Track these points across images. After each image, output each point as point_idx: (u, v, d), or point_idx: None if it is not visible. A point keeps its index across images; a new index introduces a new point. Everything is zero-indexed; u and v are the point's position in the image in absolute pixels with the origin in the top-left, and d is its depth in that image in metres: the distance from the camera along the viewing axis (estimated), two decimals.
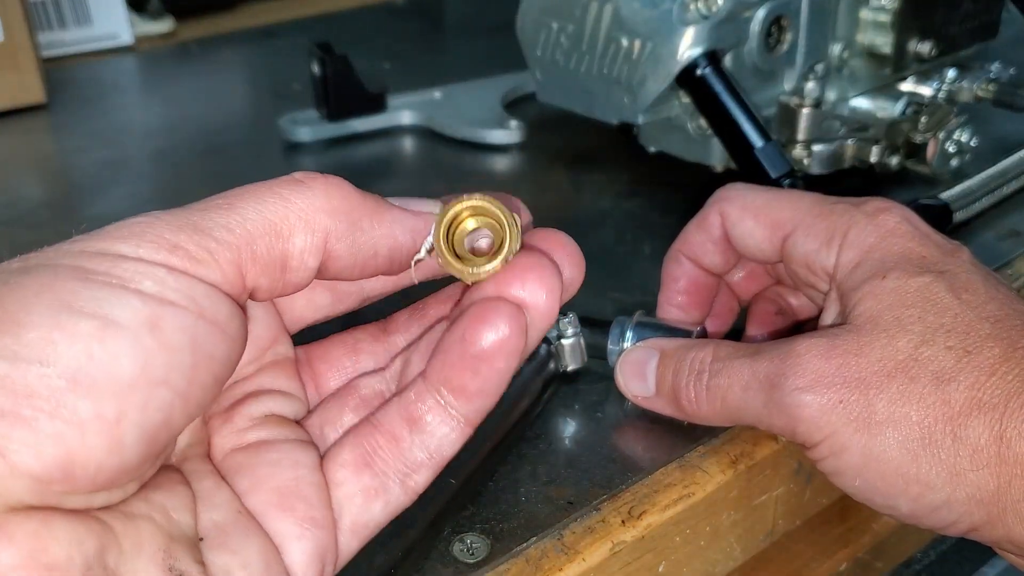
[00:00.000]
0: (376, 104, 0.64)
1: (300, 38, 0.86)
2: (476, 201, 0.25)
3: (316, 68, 0.63)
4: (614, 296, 0.45)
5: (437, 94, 0.68)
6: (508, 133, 0.62)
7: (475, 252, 0.26)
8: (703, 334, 0.37)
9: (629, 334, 0.37)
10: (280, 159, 0.63)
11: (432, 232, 0.26)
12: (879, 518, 0.43)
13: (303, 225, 0.23)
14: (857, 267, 0.32)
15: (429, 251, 0.26)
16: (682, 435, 0.36)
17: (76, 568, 0.18)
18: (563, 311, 0.37)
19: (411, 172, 0.61)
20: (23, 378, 0.18)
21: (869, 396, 0.29)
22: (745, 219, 0.36)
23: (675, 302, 0.39)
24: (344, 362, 0.28)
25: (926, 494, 0.29)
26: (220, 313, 0.21)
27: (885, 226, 0.33)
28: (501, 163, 0.61)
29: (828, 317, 0.33)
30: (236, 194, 0.23)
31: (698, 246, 0.38)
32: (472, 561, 0.30)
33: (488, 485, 0.34)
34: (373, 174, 0.60)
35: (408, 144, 0.64)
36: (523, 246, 0.26)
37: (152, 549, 0.20)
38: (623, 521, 0.32)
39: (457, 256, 0.26)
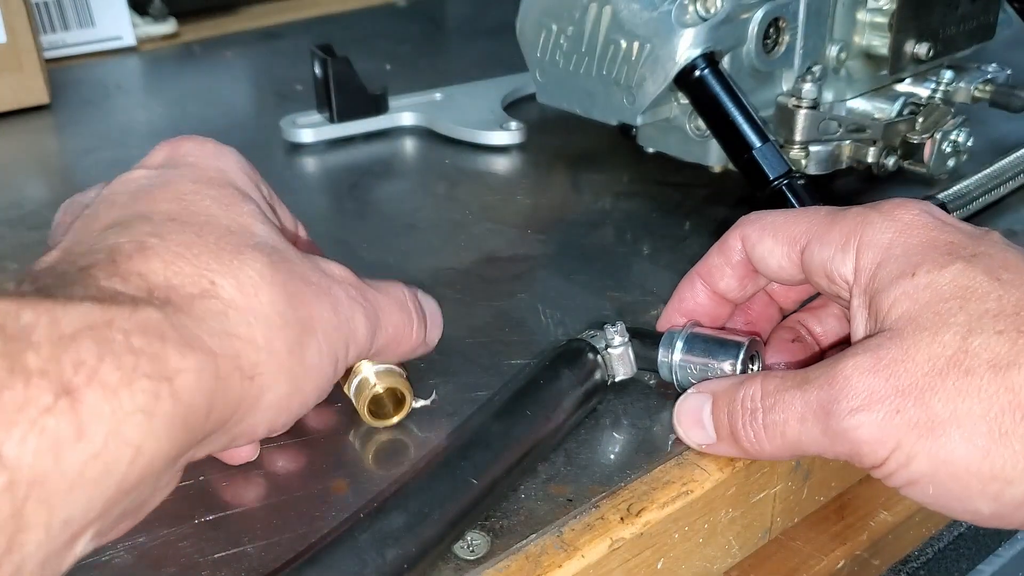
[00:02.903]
0: (377, 105, 0.65)
1: (302, 39, 0.86)
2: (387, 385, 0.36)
3: (318, 69, 0.63)
4: (613, 296, 0.46)
5: (438, 95, 0.68)
6: (508, 134, 0.62)
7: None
8: (753, 345, 0.36)
9: (680, 344, 0.36)
10: (282, 160, 0.63)
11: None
12: (877, 515, 0.43)
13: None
14: (880, 267, 0.31)
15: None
16: None
17: None
18: (612, 321, 0.37)
19: (412, 173, 0.62)
20: None
21: (925, 399, 0.28)
22: (764, 239, 0.35)
23: (673, 320, 0.39)
24: None
25: (1006, 490, 0.27)
26: None
27: (902, 220, 0.32)
28: (501, 164, 0.62)
29: (859, 327, 0.32)
30: None
31: (716, 269, 0.37)
32: (472, 558, 0.31)
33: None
34: (374, 175, 0.61)
35: (409, 145, 0.65)
36: None
37: None
38: (622, 518, 0.33)
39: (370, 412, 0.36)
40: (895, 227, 0.32)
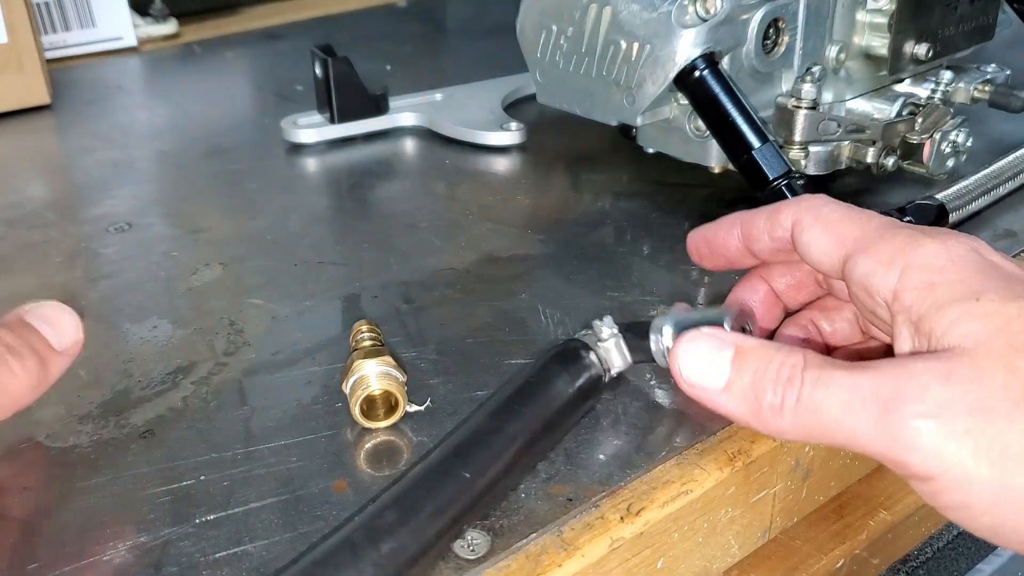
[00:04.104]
0: (378, 106, 0.65)
1: (302, 40, 0.86)
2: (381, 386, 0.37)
3: (318, 70, 0.64)
4: (613, 296, 0.46)
5: (438, 96, 0.68)
6: (508, 134, 0.63)
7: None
8: (742, 315, 0.36)
9: (668, 328, 0.36)
10: (282, 160, 0.63)
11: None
12: (876, 515, 0.43)
13: None
14: (932, 289, 0.30)
15: None
16: (680, 432, 0.37)
17: None
18: (598, 316, 0.37)
19: (412, 173, 0.62)
20: None
21: (999, 427, 0.27)
22: (815, 228, 0.35)
23: (699, 240, 0.39)
24: None
25: None
26: None
27: (955, 250, 0.31)
28: (501, 164, 0.62)
29: (904, 344, 0.31)
30: None
31: (757, 228, 0.37)
32: (472, 557, 0.31)
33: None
34: (374, 175, 0.61)
35: (409, 145, 0.65)
36: None
37: None
38: (622, 518, 0.33)
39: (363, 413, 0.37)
40: (948, 255, 0.31)
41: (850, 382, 0.29)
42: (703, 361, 0.32)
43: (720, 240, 0.39)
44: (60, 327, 0.35)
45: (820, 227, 0.35)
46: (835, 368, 0.29)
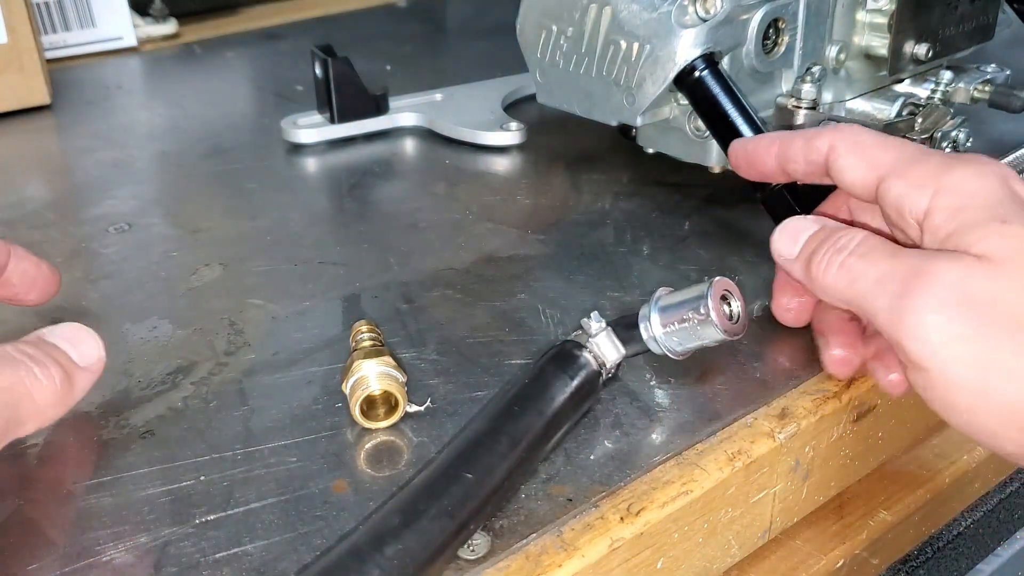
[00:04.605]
0: (378, 106, 0.65)
1: (302, 40, 0.86)
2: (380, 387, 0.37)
3: (318, 70, 0.64)
4: (613, 296, 0.46)
5: (438, 96, 0.68)
6: (508, 134, 0.63)
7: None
8: (720, 283, 0.37)
9: (654, 315, 0.37)
10: (283, 160, 0.63)
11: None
12: (876, 515, 0.43)
13: None
14: (962, 211, 0.32)
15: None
16: (680, 433, 0.37)
17: None
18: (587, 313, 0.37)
19: (412, 173, 0.62)
20: None
21: (996, 341, 0.29)
22: (852, 154, 0.36)
23: (739, 151, 0.41)
24: None
25: None
26: None
27: (985, 178, 0.33)
28: (501, 164, 0.62)
29: None
30: None
31: (794, 149, 0.39)
32: (473, 557, 0.31)
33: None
34: (374, 175, 0.61)
35: (409, 145, 0.65)
36: None
37: None
38: (622, 518, 0.33)
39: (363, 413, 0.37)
40: (979, 182, 0.33)
41: (889, 262, 0.32)
42: (792, 236, 0.37)
43: (760, 155, 0.40)
44: (81, 345, 0.35)
45: (857, 152, 0.36)
46: (883, 250, 0.33)
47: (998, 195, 0.32)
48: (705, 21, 0.47)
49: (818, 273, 0.35)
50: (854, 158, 0.36)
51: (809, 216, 0.38)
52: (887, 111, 0.53)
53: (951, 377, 0.30)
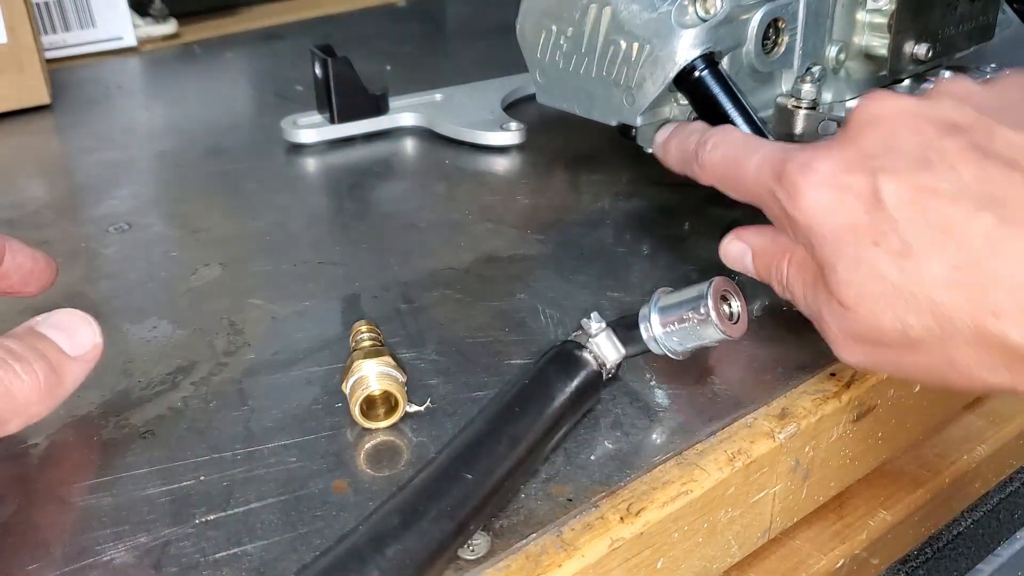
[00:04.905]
0: (377, 106, 0.65)
1: (302, 40, 0.86)
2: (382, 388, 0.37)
3: (318, 70, 0.64)
4: (613, 296, 0.46)
5: (438, 96, 0.68)
6: (508, 135, 0.63)
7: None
8: (720, 283, 0.37)
9: (654, 315, 0.37)
10: (282, 161, 0.63)
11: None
12: (876, 515, 0.43)
13: None
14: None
15: None
16: (680, 433, 0.37)
17: None
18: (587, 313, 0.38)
19: (412, 173, 0.62)
20: None
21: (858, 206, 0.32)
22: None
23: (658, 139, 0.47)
24: None
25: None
26: None
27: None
28: (501, 164, 0.62)
29: None
30: None
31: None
32: (473, 558, 0.31)
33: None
34: (374, 175, 0.61)
35: (409, 145, 0.65)
36: None
37: None
38: (622, 518, 0.33)
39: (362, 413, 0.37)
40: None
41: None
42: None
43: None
44: (74, 333, 0.35)
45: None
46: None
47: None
48: (705, 21, 0.47)
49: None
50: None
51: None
52: None
53: (828, 242, 0.33)
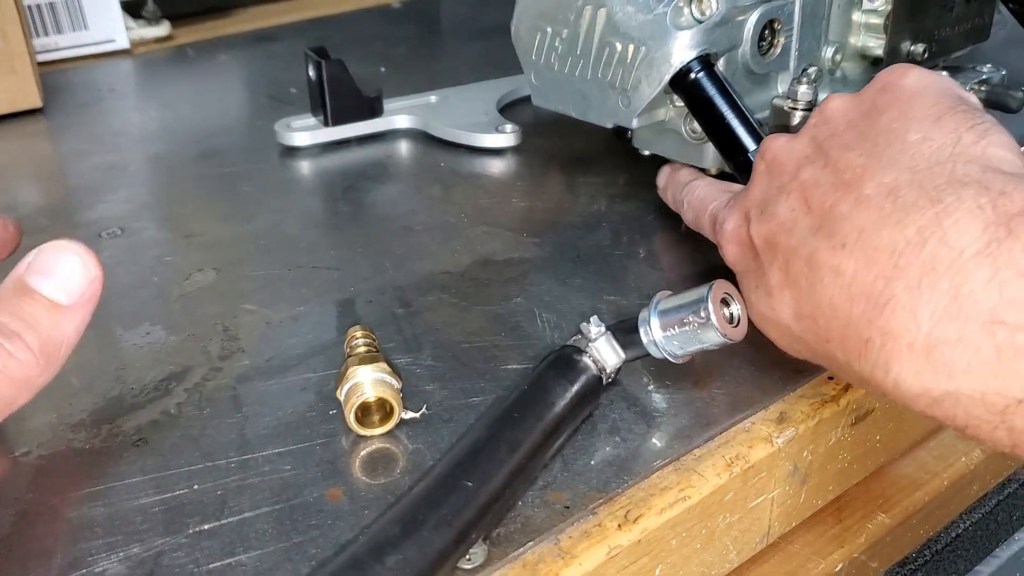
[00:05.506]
0: (372, 108, 0.65)
1: (296, 42, 0.86)
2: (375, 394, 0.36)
3: (312, 72, 0.63)
4: (609, 299, 0.45)
5: (433, 98, 0.68)
6: (504, 137, 0.62)
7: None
8: (720, 286, 0.37)
9: (654, 319, 0.37)
10: (276, 164, 0.63)
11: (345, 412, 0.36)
12: (874, 518, 0.43)
13: None
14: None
15: None
16: (677, 438, 0.36)
17: None
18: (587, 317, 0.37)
19: (407, 176, 0.61)
20: None
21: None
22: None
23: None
24: None
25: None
26: None
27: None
28: (496, 166, 0.61)
29: None
30: None
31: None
32: (470, 567, 0.31)
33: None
34: (369, 178, 0.60)
35: (404, 148, 0.65)
36: None
37: None
38: (619, 525, 0.33)
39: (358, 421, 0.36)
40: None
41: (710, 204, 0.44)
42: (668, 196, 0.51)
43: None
44: (63, 275, 0.32)
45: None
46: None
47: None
48: (701, 23, 0.47)
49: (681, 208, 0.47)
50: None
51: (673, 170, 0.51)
52: None
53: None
